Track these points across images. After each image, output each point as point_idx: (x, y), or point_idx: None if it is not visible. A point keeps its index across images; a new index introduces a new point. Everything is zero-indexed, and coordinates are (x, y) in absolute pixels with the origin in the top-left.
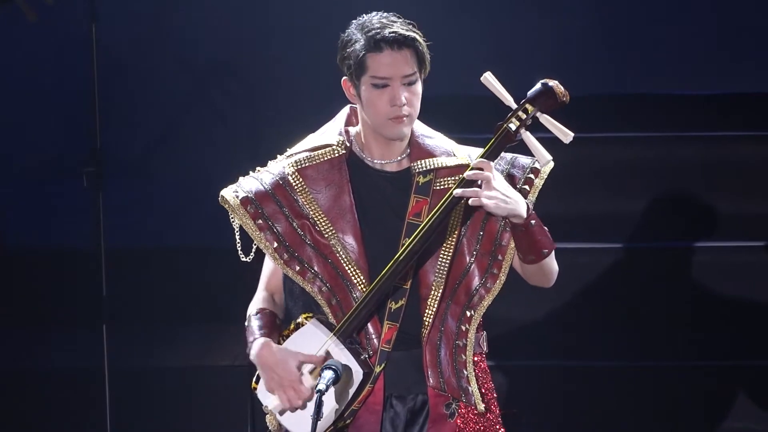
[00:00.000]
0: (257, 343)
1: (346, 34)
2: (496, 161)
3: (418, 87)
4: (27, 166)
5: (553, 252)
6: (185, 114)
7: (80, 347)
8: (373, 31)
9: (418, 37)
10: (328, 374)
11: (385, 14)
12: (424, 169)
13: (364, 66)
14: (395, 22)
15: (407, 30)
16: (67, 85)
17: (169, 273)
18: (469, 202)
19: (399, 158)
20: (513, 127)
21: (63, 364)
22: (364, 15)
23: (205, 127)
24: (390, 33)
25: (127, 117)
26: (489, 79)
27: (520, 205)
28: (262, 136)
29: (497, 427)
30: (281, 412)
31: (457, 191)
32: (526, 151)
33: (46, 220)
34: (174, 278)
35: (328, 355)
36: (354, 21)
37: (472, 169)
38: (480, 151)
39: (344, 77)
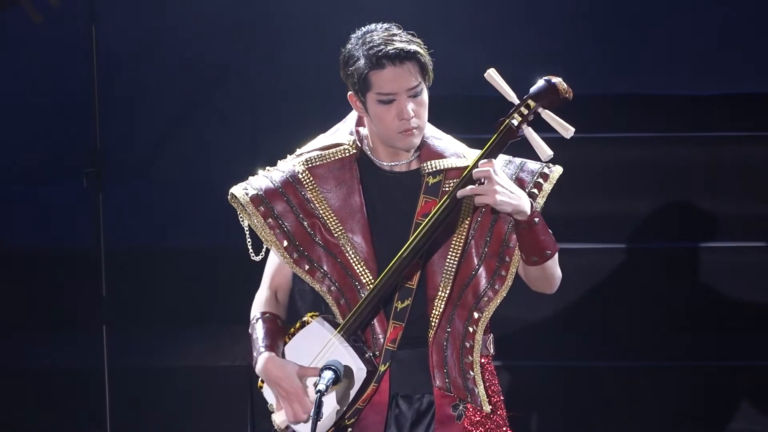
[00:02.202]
0: (262, 358)
1: (347, 50)
2: (505, 165)
3: (424, 96)
4: (27, 166)
5: (556, 256)
6: (185, 114)
7: (80, 347)
8: (375, 48)
9: (419, 48)
10: (328, 374)
11: (385, 27)
12: (434, 170)
13: (369, 83)
14: (395, 35)
15: (408, 43)
16: (68, 85)
17: (169, 273)
18: (475, 201)
19: (409, 159)
20: (515, 122)
21: (63, 364)
22: (363, 28)
23: (205, 127)
24: (392, 49)
25: (127, 117)
26: (492, 75)
27: (524, 200)
28: (262, 136)
29: (504, 429)
30: (287, 427)
31: (461, 191)
32: (528, 148)
33: (46, 220)
34: (174, 278)
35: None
36: (353, 35)
37: (475, 166)
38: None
39: (350, 92)
